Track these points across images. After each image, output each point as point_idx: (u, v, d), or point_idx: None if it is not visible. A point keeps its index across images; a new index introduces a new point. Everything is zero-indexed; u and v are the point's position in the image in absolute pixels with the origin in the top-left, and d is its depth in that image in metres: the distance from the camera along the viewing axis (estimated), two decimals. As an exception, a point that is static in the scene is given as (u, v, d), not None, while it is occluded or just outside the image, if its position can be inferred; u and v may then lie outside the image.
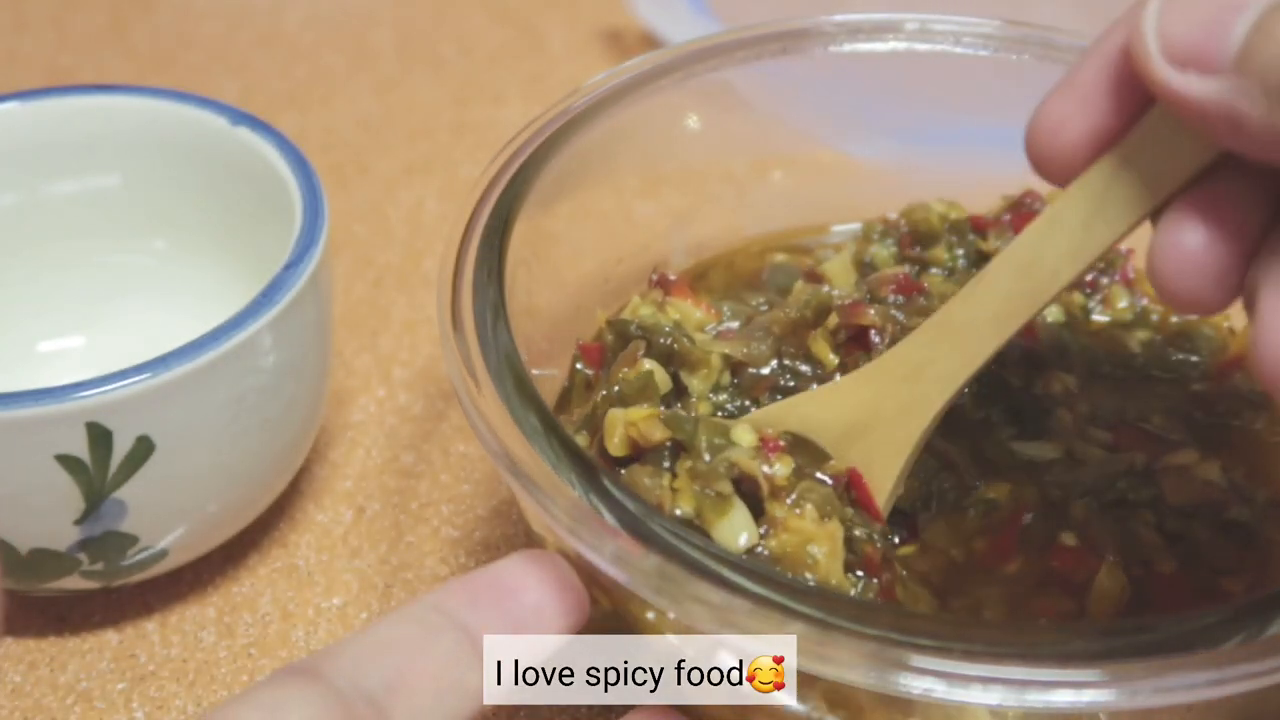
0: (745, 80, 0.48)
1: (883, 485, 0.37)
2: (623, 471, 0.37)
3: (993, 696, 0.28)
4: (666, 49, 0.47)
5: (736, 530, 0.35)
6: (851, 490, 0.37)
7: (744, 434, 0.37)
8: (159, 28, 0.74)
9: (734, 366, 0.42)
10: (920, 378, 0.36)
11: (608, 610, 0.36)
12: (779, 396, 0.42)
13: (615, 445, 0.37)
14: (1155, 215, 0.31)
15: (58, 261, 0.49)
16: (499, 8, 0.77)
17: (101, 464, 0.38)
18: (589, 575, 0.33)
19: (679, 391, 0.41)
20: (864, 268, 0.46)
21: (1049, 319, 0.45)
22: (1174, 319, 0.46)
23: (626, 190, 0.49)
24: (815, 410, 0.38)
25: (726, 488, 0.35)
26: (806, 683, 0.32)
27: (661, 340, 0.41)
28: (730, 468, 0.35)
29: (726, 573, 0.30)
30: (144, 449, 0.38)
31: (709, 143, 0.50)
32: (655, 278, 0.46)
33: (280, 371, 0.41)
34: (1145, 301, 0.47)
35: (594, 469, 0.33)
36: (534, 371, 0.40)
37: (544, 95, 0.69)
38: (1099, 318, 0.46)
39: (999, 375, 0.43)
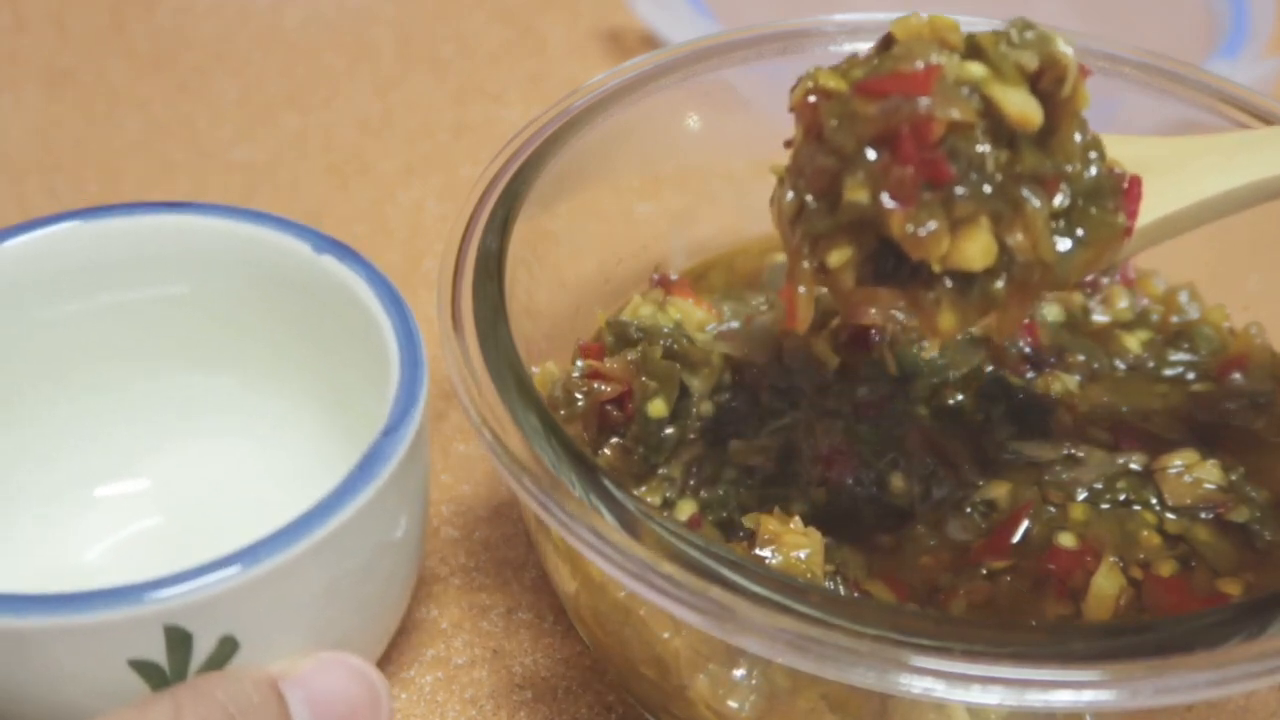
0: (745, 80, 0.48)
1: (1144, 218, 0.35)
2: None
3: (992, 696, 0.28)
4: (666, 49, 0.47)
5: (1025, 102, 0.32)
6: (1123, 196, 0.34)
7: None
8: (159, 28, 0.74)
9: (735, 366, 0.42)
10: (1231, 153, 0.36)
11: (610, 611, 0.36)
12: (779, 395, 0.42)
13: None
14: None
15: (117, 382, 0.44)
16: (499, 8, 0.77)
17: (179, 668, 0.33)
18: (587, 573, 0.33)
19: (682, 392, 0.41)
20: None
21: (1049, 319, 0.45)
22: (1174, 319, 0.46)
23: (626, 190, 0.49)
24: (1111, 142, 0.35)
25: (1033, 62, 0.32)
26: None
27: (662, 341, 0.41)
28: (1045, 42, 0.32)
29: (727, 572, 0.30)
30: (227, 650, 0.33)
31: (709, 143, 0.50)
32: (656, 277, 0.46)
33: (379, 550, 0.36)
34: (1145, 301, 0.47)
35: (594, 469, 0.33)
36: (534, 370, 0.40)
37: (544, 95, 0.69)
38: (1099, 318, 0.46)
39: (999, 375, 0.43)
